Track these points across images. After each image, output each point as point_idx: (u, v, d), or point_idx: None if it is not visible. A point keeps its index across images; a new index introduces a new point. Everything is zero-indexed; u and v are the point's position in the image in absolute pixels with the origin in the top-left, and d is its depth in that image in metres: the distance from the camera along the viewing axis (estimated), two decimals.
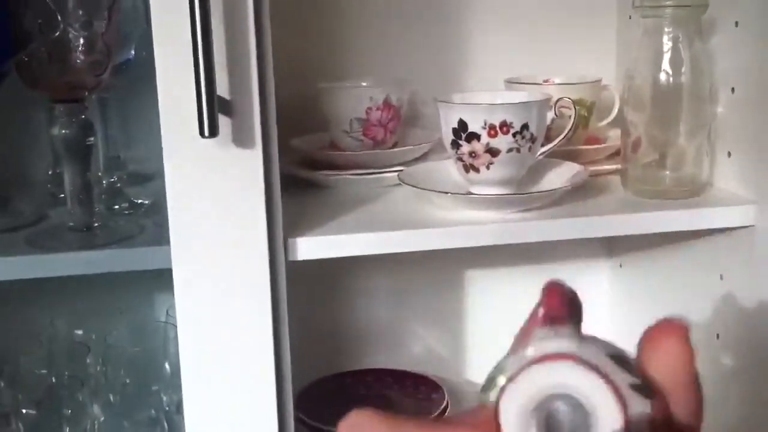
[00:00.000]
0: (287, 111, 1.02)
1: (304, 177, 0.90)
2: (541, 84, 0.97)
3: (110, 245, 0.73)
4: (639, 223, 0.79)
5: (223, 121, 0.67)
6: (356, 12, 1.04)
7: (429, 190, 0.79)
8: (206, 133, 0.64)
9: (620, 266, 1.12)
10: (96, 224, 0.76)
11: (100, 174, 0.87)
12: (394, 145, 0.98)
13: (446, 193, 0.79)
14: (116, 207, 0.86)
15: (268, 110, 0.70)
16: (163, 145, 0.67)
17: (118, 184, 0.89)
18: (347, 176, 0.89)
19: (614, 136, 1.00)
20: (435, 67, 1.08)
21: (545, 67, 1.06)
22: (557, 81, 0.99)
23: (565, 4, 1.09)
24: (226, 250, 0.70)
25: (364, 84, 0.99)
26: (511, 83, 0.96)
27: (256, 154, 0.69)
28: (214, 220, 0.69)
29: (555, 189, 0.79)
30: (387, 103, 0.93)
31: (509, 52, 1.08)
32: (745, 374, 0.83)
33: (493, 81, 1.00)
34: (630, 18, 1.06)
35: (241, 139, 0.68)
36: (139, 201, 0.87)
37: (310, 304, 1.06)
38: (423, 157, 0.96)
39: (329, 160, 0.92)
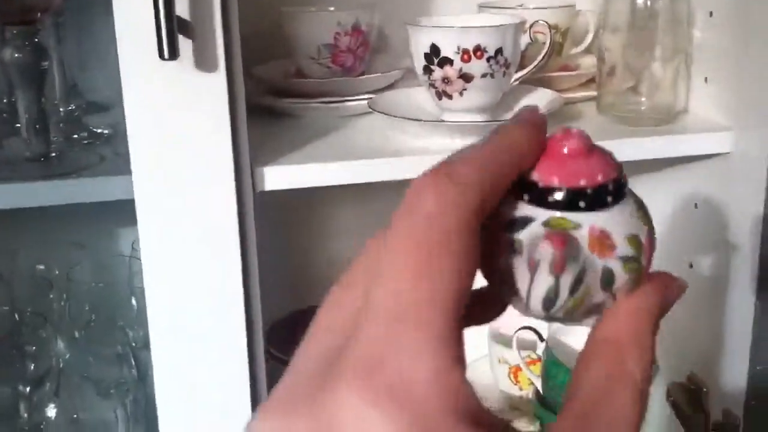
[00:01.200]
0: (248, 37, 0.99)
1: (269, 106, 0.87)
2: (514, 8, 0.94)
3: (69, 175, 0.70)
4: (613, 150, 0.77)
5: (184, 44, 0.64)
6: None
7: (401, 117, 0.77)
8: (166, 55, 0.61)
9: None
10: (53, 154, 0.73)
11: (56, 102, 0.84)
12: (363, 73, 0.95)
13: (418, 120, 0.76)
14: (75, 136, 0.83)
15: (231, 31, 0.67)
16: (121, 69, 0.64)
17: (76, 113, 0.85)
18: (315, 104, 0.86)
19: (588, 64, 0.98)
20: None
21: None
22: (531, 6, 0.97)
23: None
24: (190, 179, 0.67)
25: (331, 8, 0.96)
26: (484, 7, 0.93)
27: (219, 79, 0.66)
28: (177, 148, 0.67)
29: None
30: (356, 29, 0.90)
31: None
32: (716, 303, 0.83)
33: (465, 5, 0.96)
34: None
35: (203, 62, 0.65)
36: (99, 130, 0.83)
37: (281, 237, 1.04)
38: (392, 86, 0.93)
39: (295, 88, 0.89)
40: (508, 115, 0.81)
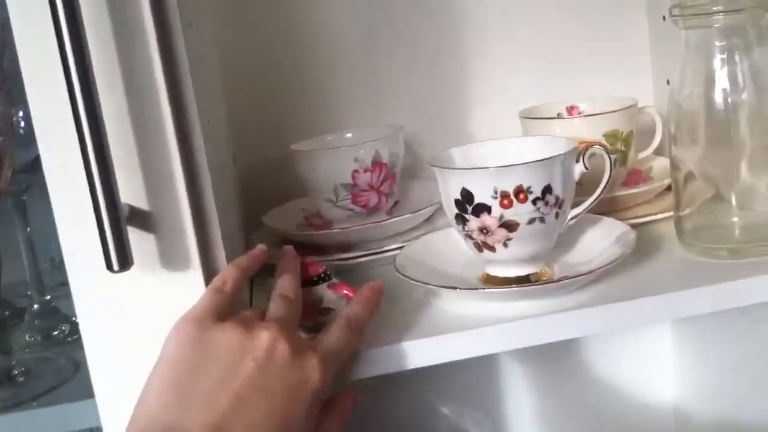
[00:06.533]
0: (257, 178, 0.87)
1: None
2: (564, 118, 0.79)
3: (30, 403, 0.57)
4: (708, 301, 0.60)
5: (145, 241, 0.51)
6: (328, 52, 0.88)
7: (432, 285, 0.62)
8: (115, 266, 0.48)
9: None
10: (16, 372, 0.61)
11: (29, 293, 0.71)
12: (395, 206, 0.81)
13: (454, 288, 0.61)
14: (56, 333, 0.70)
15: (207, 217, 0.53)
16: (71, 283, 0.51)
17: (54, 303, 0.72)
18: (336, 263, 0.71)
19: (661, 167, 0.83)
20: (433, 103, 0.91)
21: (567, 88, 0.89)
22: (584, 108, 0.82)
23: (583, 12, 0.91)
24: None
25: (348, 135, 0.83)
26: (527, 119, 0.78)
27: (194, 277, 0.53)
28: (148, 365, 0.53)
29: (593, 270, 0.61)
30: (377, 162, 0.76)
31: (522, 74, 0.91)
32: None
33: (505, 112, 0.82)
34: (664, 19, 0.88)
35: (172, 260, 0.52)
36: None
37: None
38: (430, 219, 0.79)
39: (312, 241, 0.75)
40: (567, 258, 0.67)
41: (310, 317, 0.59)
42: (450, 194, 0.62)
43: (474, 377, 0.95)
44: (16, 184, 0.67)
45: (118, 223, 0.47)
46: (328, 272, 0.61)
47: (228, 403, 0.45)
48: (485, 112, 0.91)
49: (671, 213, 0.70)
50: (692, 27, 0.64)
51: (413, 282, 0.62)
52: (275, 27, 0.88)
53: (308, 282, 0.60)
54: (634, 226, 0.67)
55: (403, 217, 0.75)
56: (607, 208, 0.73)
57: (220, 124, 0.72)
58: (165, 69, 0.50)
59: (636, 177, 0.82)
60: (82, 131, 0.46)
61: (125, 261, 0.47)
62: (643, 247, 0.68)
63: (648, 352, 0.99)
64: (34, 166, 0.67)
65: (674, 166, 0.69)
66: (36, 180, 0.69)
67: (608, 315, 0.59)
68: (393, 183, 0.79)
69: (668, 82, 0.88)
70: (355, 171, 0.75)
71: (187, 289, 0.52)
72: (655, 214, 0.74)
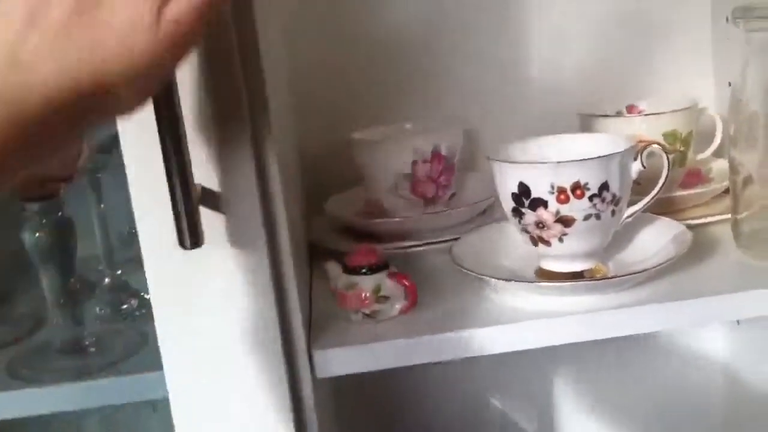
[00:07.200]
0: (318, 164, 0.90)
1: (339, 250, 0.76)
2: (624, 116, 0.80)
3: (103, 371, 0.60)
4: (764, 304, 0.61)
5: (216, 220, 0.53)
6: (392, 47, 0.90)
7: (488, 276, 0.63)
8: (187, 244, 0.50)
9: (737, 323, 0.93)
10: (87, 342, 0.64)
11: (100, 268, 0.75)
12: (452, 197, 0.83)
13: (509, 280, 0.63)
14: (125, 307, 0.73)
15: (273, 199, 0.55)
16: (144, 259, 0.54)
17: (123, 278, 0.76)
18: (393, 251, 0.73)
19: (718, 169, 0.83)
20: (492, 99, 0.92)
21: (628, 88, 0.89)
22: (643, 108, 0.82)
23: (646, 13, 0.91)
24: (232, 375, 0.56)
25: (408, 126, 0.84)
26: (586, 117, 0.79)
27: (259, 257, 0.55)
28: (213, 341, 0.55)
29: (647, 269, 0.62)
30: (436, 154, 0.78)
31: (582, 72, 0.92)
32: None
33: (564, 109, 0.83)
34: (727, 21, 0.87)
35: (239, 240, 0.54)
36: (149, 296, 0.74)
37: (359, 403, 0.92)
38: (485, 212, 0.80)
39: (371, 229, 0.77)
40: (622, 256, 0.67)
41: (367, 304, 0.61)
42: (507, 188, 0.63)
43: (523, 369, 0.96)
44: (92, 162, 0.70)
45: (192, 204, 0.49)
46: (387, 261, 0.63)
47: (20, 18, 0.36)
48: (544, 108, 0.92)
49: (728, 216, 0.70)
50: (755, 30, 0.64)
51: (470, 273, 0.64)
52: (341, 21, 0.90)
53: (368, 269, 0.62)
54: (690, 227, 0.68)
55: (460, 209, 0.76)
56: (664, 208, 0.73)
57: (285, 111, 0.74)
58: (241, 58, 0.52)
59: (695, 178, 0.82)
60: (160, 116, 0.48)
61: (197, 240, 0.50)
62: (698, 249, 0.68)
63: (700, 357, 0.99)
64: (109, 146, 0.70)
65: (733, 169, 0.69)
66: (110, 160, 0.72)
67: (661, 313, 0.60)
68: (451, 175, 0.80)
69: (730, 84, 0.88)
70: (415, 162, 0.77)
71: (253, 267, 0.54)
72: (712, 216, 0.74)
